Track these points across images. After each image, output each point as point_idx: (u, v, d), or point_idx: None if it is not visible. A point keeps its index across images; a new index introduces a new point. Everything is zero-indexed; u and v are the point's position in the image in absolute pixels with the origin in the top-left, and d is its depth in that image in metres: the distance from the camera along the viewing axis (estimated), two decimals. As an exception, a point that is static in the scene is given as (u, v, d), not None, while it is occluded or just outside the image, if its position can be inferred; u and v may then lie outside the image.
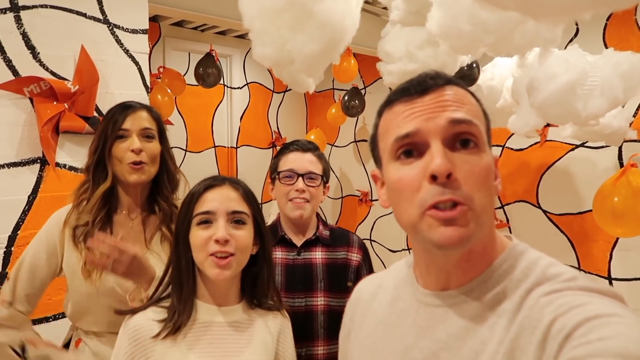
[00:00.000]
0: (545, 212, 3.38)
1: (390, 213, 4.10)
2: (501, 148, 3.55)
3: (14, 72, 1.87)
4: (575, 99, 1.61)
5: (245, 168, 4.40)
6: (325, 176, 1.52)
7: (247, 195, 1.06)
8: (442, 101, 0.63)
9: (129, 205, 1.36)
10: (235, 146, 4.38)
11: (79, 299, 1.31)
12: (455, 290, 0.64)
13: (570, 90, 1.60)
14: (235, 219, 1.02)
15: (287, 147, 1.53)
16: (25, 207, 1.92)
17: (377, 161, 0.71)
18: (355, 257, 1.50)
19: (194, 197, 1.05)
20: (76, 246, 1.30)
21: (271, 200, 4.35)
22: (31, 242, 1.36)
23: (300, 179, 1.46)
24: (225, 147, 4.36)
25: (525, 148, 3.46)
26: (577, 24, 3.01)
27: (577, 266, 3.20)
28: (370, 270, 1.52)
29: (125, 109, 1.34)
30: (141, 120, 1.33)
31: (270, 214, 3.83)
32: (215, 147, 4.31)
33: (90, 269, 1.27)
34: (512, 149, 3.52)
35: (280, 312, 1.10)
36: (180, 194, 1.41)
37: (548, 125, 3.29)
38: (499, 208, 3.53)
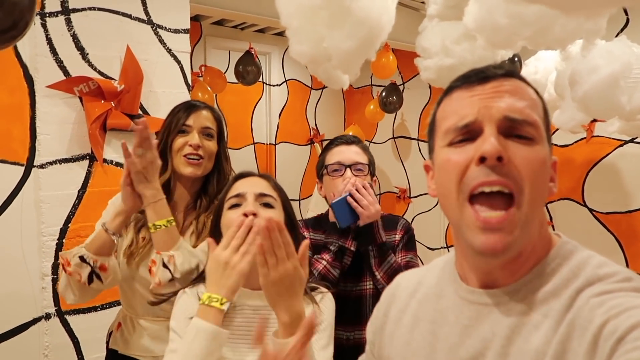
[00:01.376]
0: (591, 210, 3.26)
1: (429, 210, 4.09)
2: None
3: (65, 72, 1.97)
4: (619, 92, 1.54)
5: (284, 164, 4.45)
6: (371, 167, 1.53)
7: (276, 185, 1.10)
8: (502, 91, 0.62)
9: (180, 197, 1.42)
10: (273, 143, 4.44)
11: (121, 282, 1.39)
12: (501, 289, 0.62)
13: (613, 83, 1.54)
14: (264, 202, 1.05)
15: (332, 143, 1.56)
16: (75, 202, 2.02)
17: (432, 150, 0.69)
18: (397, 237, 1.52)
19: (226, 187, 1.11)
20: (125, 228, 1.36)
21: (310, 196, 4.39)
22: (97, 222, 1.44)
23: (348, 169, 1.48)
24: (264, 143, 4.43)
25: (571, 144, 3.34)
26: (626, 14, 2.88)
27: (625, 267, 3.07)
28: (406, 246, 1.52)
29: (190, 107, 1.41)
30: (203, 119, 1.39)
31: (308, 210, 3.87)
32: (254, 143, 4.38)
33: (135, 251, 1.34)
34: (556, 145, 3.41)
35: (319, 290, 1.11)
36: None
37: (595, 120, 3.16)
38: (542, 206, 3.43)
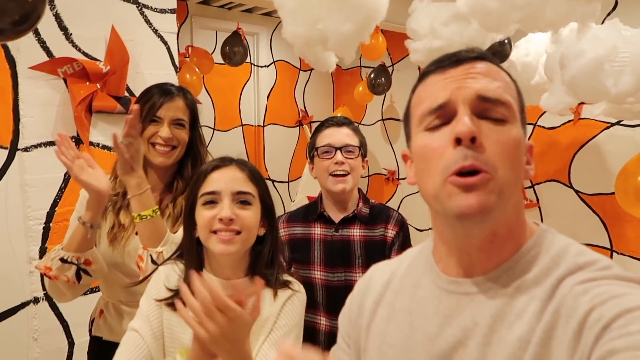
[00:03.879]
0: (577, 192, 3.30)
1: (417, 192, 4.11)
2: (532, 126, 3.47)
3: (48, 53, 1.93)
4: (604, 76, 1.55)
5: (272, 146, 4.43)
6: (362, 149, 1.54)
7: (254, 176, 1.06)
8: (474, 73, 0.62)
9: (154, 183, 1.40)
10: (262, 125, 4.41)
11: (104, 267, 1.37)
12: (480, 277, 0.62)
13: (598, 67, 1.55)
14: (241, 200, 1.02)
15: (322, 124, 1.55)
16: (61, 185, 1.99)
17: (409, 138, 0.70)
18: (390, 233, 1.51)
19: (200, 177, 1.06)
20: (103, 214, 1.34)
21: (298, 178, 4.39)
22: (71, 217, 1.43)
23: (338, 152, 1.48)
24: (252, 125, 4.39)
25: (558, 126, 3.36)
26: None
27: (610, 247, 3.13)
28: (402, 247, 1.52)
29: (163, 95, 1.36)
30: (175, 109, 1.36)
31: (297, 192, 3.87)
32: (242, 125, 4.34)
33: (118, 234, 1.33)
34: (543, 127, 3.43)
35: (290, 287, 1.08)
36: None
37: (582, 102, 3.18)
38: (529, 187, 3.47)
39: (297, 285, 1.09)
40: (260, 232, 1.06)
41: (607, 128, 3.14)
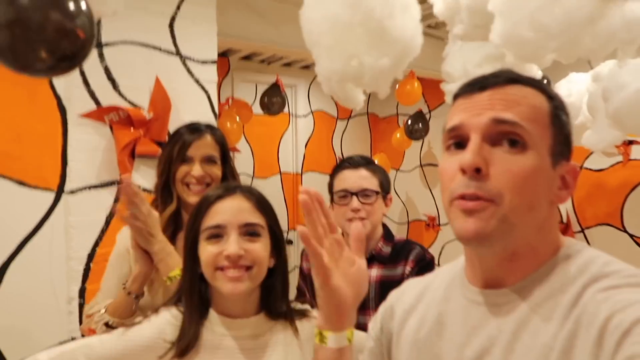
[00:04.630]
0: (632, 236, 3.11)
1: (459, 238, 3.91)
2: (579, 168, 3.34)
3: (96, 102, 2.04)
4: (650, 108, 1.49)
5: None
6: (383, 189, 1.47)
7: (261, 205, 0.96)
8: (496, 99, 0.63)
9: None
10: (300, 172, 4.45)
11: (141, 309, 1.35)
12: (507, 289, 0.63)
13: (642, 99, 1.49)
14: (249, 232, 0.93)
15: (339, 166, 1.50)
16: (103, 227, 2.05)
17: None
18: (407, 269, 1.42)
19: (202, 208, 0.96)
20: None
21: (336, 226, 4.35)
22: (109, 260, 1.42)
23: (354, 197, 1.42)
24: (290, 173, 4.45)
25: (606, 168, 3.23)
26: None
27: (672, 297, 2.90)
28: None
29: (192, 133, 1.37)
30: (205, 147, 1.36)
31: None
32: (281, 173, 4.40)
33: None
34: (590, 169, 3.30)
35: (308, 315, 1.00)
36: None
37: (631, 142, 3.06)
38: (579, 232, 3.30)
39: (314, 312, 1.00)
40: (271, 263, 0.97)
41: (660, 169, 2.99)
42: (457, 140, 0.65)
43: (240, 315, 0.95)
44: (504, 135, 0.61)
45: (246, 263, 0.91)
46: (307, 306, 1.03)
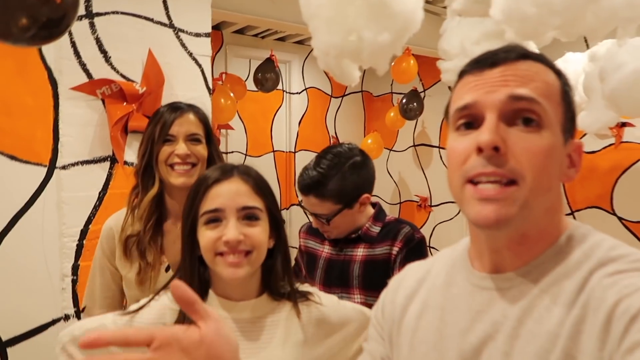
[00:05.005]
0: (620, 219, 3.15)
1: (451, 219, 4.03)
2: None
3: (88, 74, 2.00)
4: (646, 88, 1.49)
5: None
6: (342, 200, 1.41)
7: (259, 187, 0.95)
8: (510, 75, 0.61)
9: (176, 211, 1.34)
10: (293, 151, 4.44)
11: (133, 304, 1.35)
12: (512, 273, 0.62)
13: (639, 79, 1.49)
14: (248, 215, 0.92)
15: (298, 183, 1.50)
16: (96, 203, 2.03)
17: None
18: (394, 250, 1.40)
19: (199, 191, 0.94)
20: (127, 258, 1.32)
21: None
22: (95, 252, 1.42)
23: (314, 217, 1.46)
24: (283, 151, 4.43)
25: (598, 150, 3.25)
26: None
27: (658, 277, 2.96)
28: (404, 264, 1.45)
29: (173, 111, 1.33)
30: (189, 125, 1.32)
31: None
32: (274, 151, 4.38)
33: (145, 275, 1.29)
34: (583, 151, 3.32)
35: (310, 299, 0.99)
36: None
37: (624, 125, 3.07)
38: (569, 214, 3.33)
39: (318, 297, 1.01)
40: (270, 244, 0.97)
41: (652, 151, 3.01)
42: (469, 119, 0.62)
43: (240, 297, 0.95)
44: (520, 113, 0.60)
45: (245, 248, 0.90)
46: (309, 288, 1.03)
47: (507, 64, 0.62)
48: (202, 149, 1.33)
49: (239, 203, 0.91)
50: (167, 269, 1.32)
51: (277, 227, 0.98)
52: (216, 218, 0.91)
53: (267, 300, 0.97)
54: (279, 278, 0.98)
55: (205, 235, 0.91)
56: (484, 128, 0.59)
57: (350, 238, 1.45)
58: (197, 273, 0.95)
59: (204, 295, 0.94)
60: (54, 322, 1.95)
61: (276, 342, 0.93)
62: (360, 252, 1.44)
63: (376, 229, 1.45)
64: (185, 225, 0.96)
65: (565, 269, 0.59)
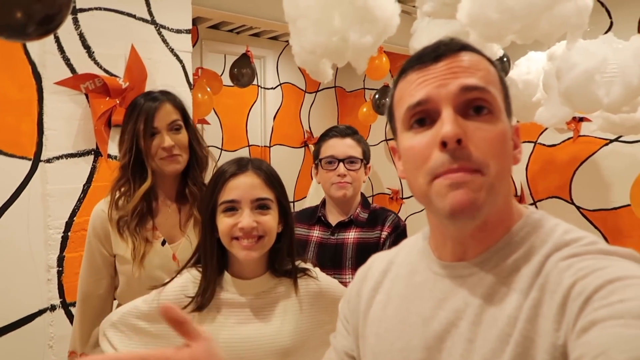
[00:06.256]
0: (578, 208, 3.37)
1: (422, 210, 4.14)
2: (533, 144, 3.56)
3: (72, 69, 2.03)
4: (595, 86, 1.66)
5: (278, 167, 4.35)
6: (365, 158, 1.60)
7: (271, 180, 1.09)
8: (455, 67, 0.61)
9: (166, 194, 1.43)
10: (268, 145, 4.51)
11: (128, 280, 1.41)
12: (472, 260, 0.63)
13: (589, 78, 1.66)
14: (260, 205, 1.06)
15: (327, 134, 1.62)
16: (80, 195, 2.07)
17: (394, 132, 0.70)
18: (384, 234, 1.55)
19: (218, 183, 1.08)
20: (122, 236, 1.38)
21: (303, 198, 4.46)
22: (87, 238, 1.45)
23: (341, 164, 1.55)
24: (259, 146, 4.49)
25: (558, 144, 3.45)
26: (610, 17, 3.01)
27: (611, 261, 3.18)
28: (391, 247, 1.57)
29: (152, 102, 1.37)
30: (168, 115, 1.38)
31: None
32: (249, 146, 4.44)
33: (144, 250, 1.36)
34: (544, 144, 3.52)
35: (308, 274, 1.13)
36: (210, 172, 1.45)
37: (581, 120, 3.28)
38: (532, 204, 3.53)
39: (315, 272, 1.14)
40: (279, 229, 1.11)
41: (607, 144, 3.23)
42: (422, 116, 0.62)
43: (250, 276, 1.09)
44: (472, 102, 0.60)
45: (258, 233, 1.04)
46: (309, 265, 1.16)
47: (450, 57, 0.62)
48: (182, 137, 1.40)
49: (253, 195, 1.06)
50: (162, 243, 1.40)
51: (285, 214, 1.12)
52: (233, 207, 1.05)
53: (270, 277, 1.11)
54: (283, 258, 1.12)
55: (224, 222, 1.05)
56: (444, 121, 0.59)
57: (343, 222, 1.59)
58: (215, 253, 1.09)
59: (220, 275, 1.09)
60: (40, 312, 1.98)
61: (277, 313, 1.08)
62: (352, 235, 1.57)
63: (365, 215, 1.60)
64: (205, 212, 1.10)
65: (523, 254, 0.60)
